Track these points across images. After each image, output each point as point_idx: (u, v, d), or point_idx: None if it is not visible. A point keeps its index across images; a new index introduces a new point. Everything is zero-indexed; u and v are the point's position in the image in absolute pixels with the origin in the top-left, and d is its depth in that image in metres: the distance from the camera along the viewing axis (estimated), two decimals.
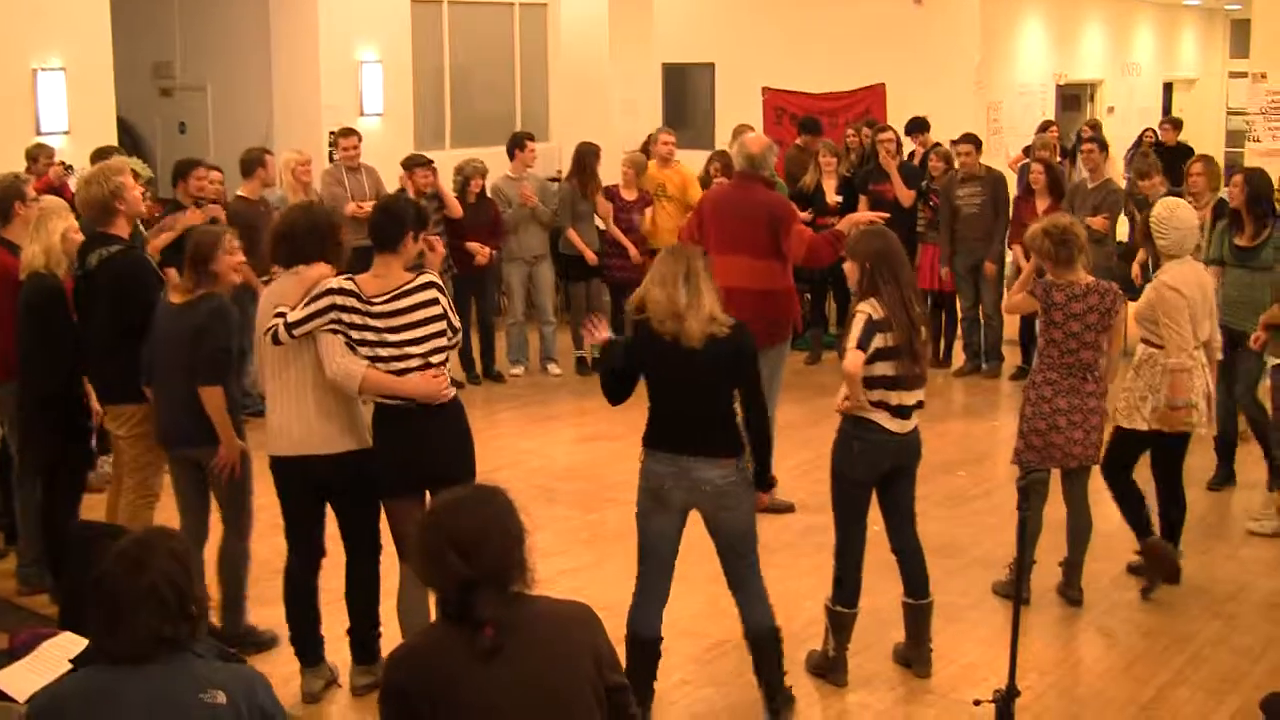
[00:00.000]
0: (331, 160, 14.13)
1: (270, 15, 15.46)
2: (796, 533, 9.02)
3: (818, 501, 9.40)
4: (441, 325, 6.37)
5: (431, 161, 12.89)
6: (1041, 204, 12.86)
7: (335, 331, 6.33)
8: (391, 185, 13.08)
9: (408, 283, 6.35)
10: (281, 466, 6.64)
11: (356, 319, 6.31)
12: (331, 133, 14.53)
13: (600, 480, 10.17)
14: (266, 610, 7.22)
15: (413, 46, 16.30)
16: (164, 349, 7.01)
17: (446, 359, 6.49)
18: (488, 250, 12.45)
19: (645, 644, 6.50)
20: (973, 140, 13.59)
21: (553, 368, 13.61)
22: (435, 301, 6.36)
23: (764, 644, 6.56)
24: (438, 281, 6.44)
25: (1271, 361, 8.85)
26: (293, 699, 6.69)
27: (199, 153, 14.68)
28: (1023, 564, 6.13)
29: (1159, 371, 7.84)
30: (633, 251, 13.38)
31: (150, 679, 3.68)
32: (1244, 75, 17.12)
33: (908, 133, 15.20)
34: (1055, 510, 7.85)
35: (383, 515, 6.72)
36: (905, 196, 13.65)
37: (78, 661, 3.89)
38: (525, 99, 18.15)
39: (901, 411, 6.79)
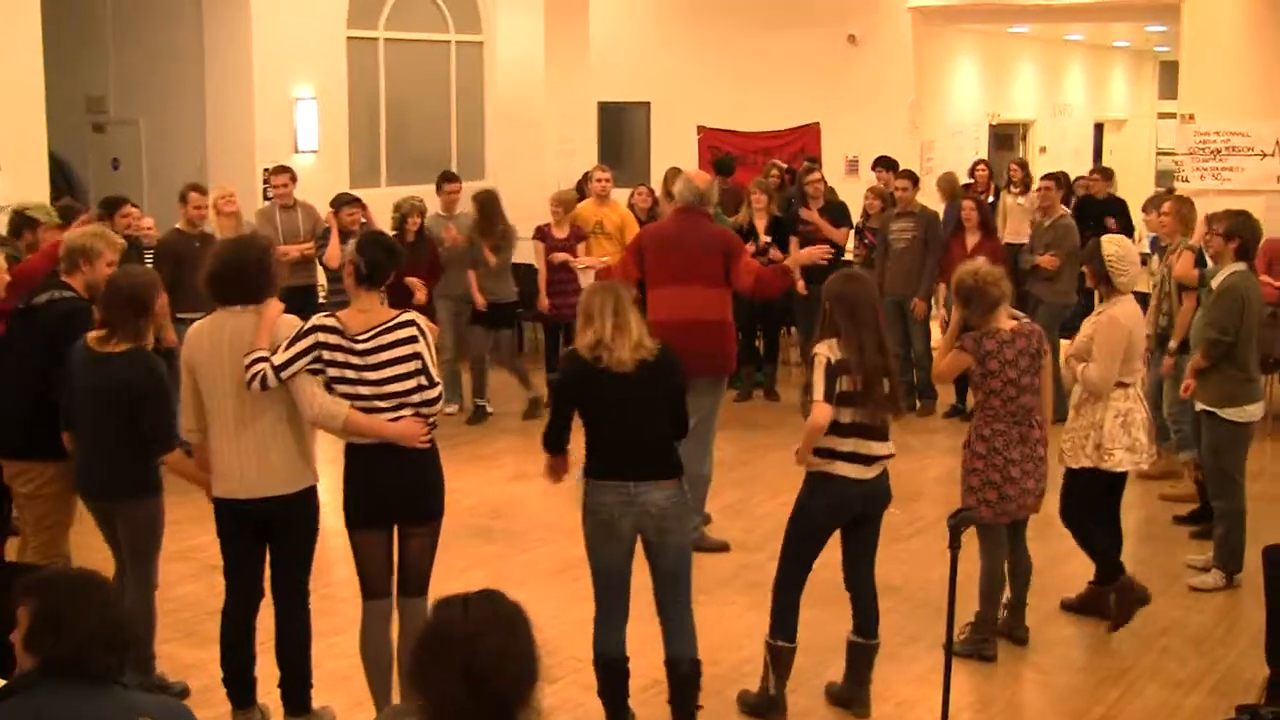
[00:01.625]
0: (266, 198, 14.05)
1: (205, 50, 15.38)
2: (730, 572, 9.01)
3: (753, 540, 9.47)
4: (415, 365, 6.25)
5: (359, 199, 12.84)
6: (971, 240, 12.99)
7: (314, 371, 6.26)
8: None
9: (390, 320, 6.28)
10: (231, 509, 6.49)
11: (339, 356, 6.23)
12: (265, 170, 14.47)
13: (532, 519, 10.14)
14: (202, 651, 7.12)
15: (348, 83, 16.25)
16: (88, 398, 6.73)
17: (434, 416, 6.41)
18: (425, 289, 12.38)
19: (611, 664, 6.56)
20: (910, 176, 13.74)
21: (485, 406, 13.58)
22: (415, 340, 6.27)
23: (683, 674, 6.58)
24: (419, 322, 6.35)
25: (1199, 407, 8.88)
26: None
27: (132, 188, 14.58)
28: (952, 603, 6.13)
29: (1099, 408, 7.90)
30: (543, 302, 13.52)
31: (77, 704, 3.66)
32: (1173, 116, 17.33)
33: (872, 168, 15.28)
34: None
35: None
36: (839, 236, 13.71)
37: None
38: (461, 136, 18.13)
39: (865, 460, 6.77)
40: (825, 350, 6.68)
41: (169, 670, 7.19)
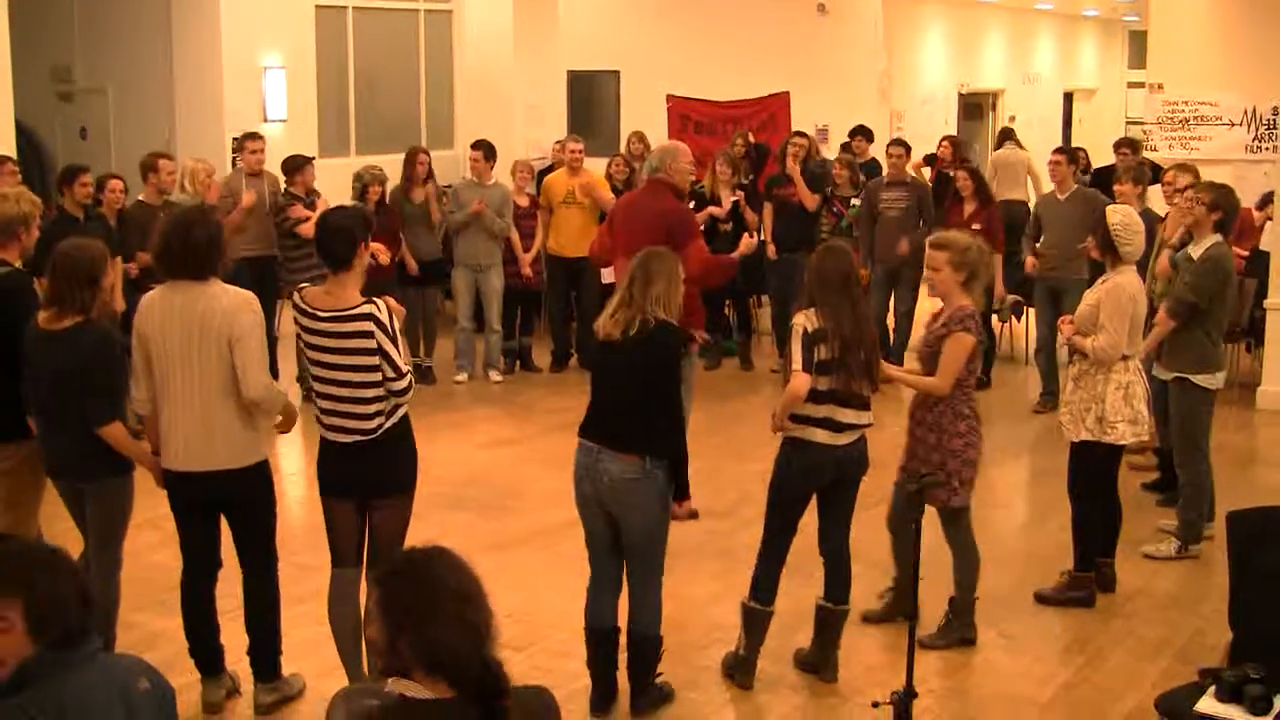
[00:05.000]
0: (234, 166, 13.99)
1: (172, 18, 15.27)
2: (698, 540, 9.03)
3: (721, 508, 9.51)
4: (374, 359, 6.18)
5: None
6: (969, 208, 13.00)
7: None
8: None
9: (351, 307, 6.22)
10: (180, 482, 6.47)
11: (305, 336, 6.33)
12: (235, 138, 14.41)
13: (504, 487, 10.15)
14: (171, 620, 7.11)
15: (317, 51, 16.15)
16: (45, 379, 6.60)
17: (389, 402, 6.29)
18: (389, 252, 12.40)
19: (598, 634, 6.60)
20: (902, 144, 13.74)
21: (493, 374, 13.68)
22: (369, 334, 6.17)
23: (643, 649, 6.64)
24: (377, 315, 6.20)
25: (1169, 375, 8.85)
26: (193, 709, 6.63)
27: (100, 158, 14.52)
28: (916, 570, 6.17)
29: (1099, 382, 7.91)
30: (525, 265, 13.64)
31: (91, 669, 3.66)
32: (1142, 85, 17.37)
33: (850, 136, 15.27)
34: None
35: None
36: (809, 200, 13.71)
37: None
38: (430, 105, 18.06)
39: (840, 427, 6.79)
40: (803, 320, 6.72)
41: (138, 639, 7.19)
